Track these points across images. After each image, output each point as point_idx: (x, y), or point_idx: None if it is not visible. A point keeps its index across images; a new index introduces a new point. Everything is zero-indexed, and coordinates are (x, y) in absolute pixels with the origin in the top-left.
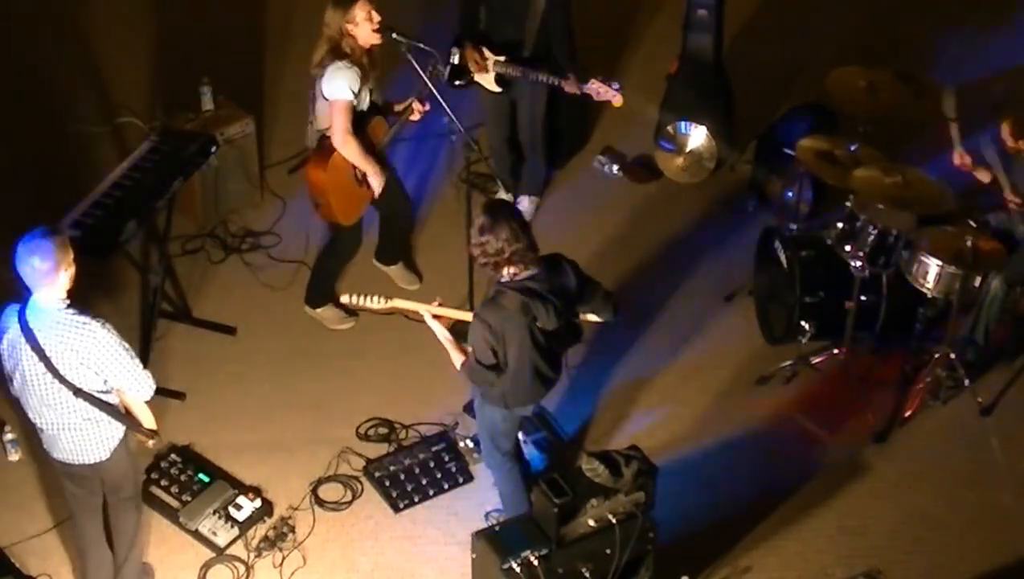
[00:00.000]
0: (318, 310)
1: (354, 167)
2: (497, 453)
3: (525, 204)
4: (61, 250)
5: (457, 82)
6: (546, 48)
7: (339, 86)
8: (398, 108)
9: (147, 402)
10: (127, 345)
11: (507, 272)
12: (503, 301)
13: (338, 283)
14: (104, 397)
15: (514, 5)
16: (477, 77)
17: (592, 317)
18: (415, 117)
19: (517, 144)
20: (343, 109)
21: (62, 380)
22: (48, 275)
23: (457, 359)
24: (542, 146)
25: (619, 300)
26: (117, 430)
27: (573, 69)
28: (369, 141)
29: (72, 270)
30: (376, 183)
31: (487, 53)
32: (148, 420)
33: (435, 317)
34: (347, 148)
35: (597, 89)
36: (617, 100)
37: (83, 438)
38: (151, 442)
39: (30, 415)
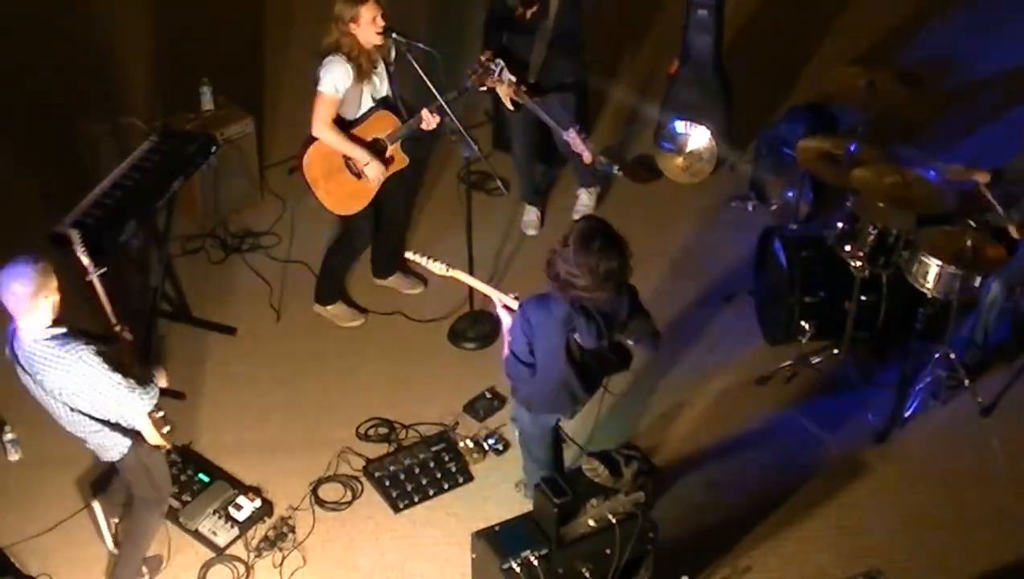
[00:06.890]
0: (328, 308)
1: (348, 160)
2: (530, 461)
3: (584, 198)
4: (42, 276)
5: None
6: (553, 85)
7: (326, 79)
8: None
9: None
10: (108, 369)
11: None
12: (551, 305)
13: (346, 281)
14: (101, 414)
15: (526, 41)
16: (499, 91)
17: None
18: (425, 126)
19: (541, 149)
20: (324, 102)
21: (56, 399)
22: (28, 301)
23: (507, 351)
24: None
25: (663, 337)
26: (124, 438)
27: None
28: (359, 136)
29: (55, 298)
30: (371, 171)
31: (513, 79)
32: (152, 437)
33: (505, 307)
34: (323, 135)
35: (575, 139)
36: (587, 157)
37: (96, 442)
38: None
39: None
